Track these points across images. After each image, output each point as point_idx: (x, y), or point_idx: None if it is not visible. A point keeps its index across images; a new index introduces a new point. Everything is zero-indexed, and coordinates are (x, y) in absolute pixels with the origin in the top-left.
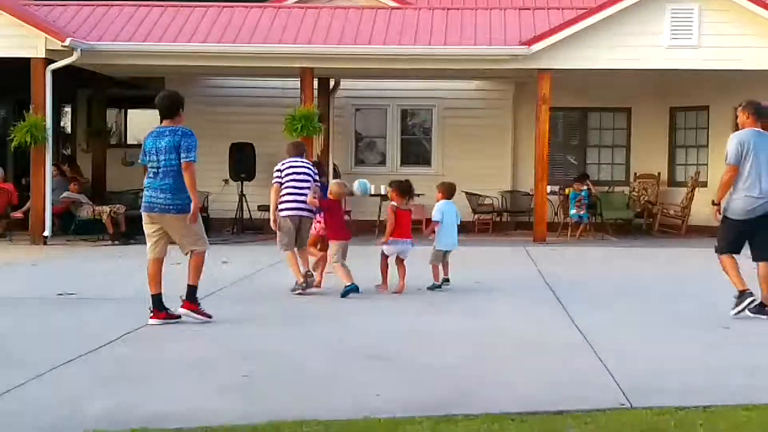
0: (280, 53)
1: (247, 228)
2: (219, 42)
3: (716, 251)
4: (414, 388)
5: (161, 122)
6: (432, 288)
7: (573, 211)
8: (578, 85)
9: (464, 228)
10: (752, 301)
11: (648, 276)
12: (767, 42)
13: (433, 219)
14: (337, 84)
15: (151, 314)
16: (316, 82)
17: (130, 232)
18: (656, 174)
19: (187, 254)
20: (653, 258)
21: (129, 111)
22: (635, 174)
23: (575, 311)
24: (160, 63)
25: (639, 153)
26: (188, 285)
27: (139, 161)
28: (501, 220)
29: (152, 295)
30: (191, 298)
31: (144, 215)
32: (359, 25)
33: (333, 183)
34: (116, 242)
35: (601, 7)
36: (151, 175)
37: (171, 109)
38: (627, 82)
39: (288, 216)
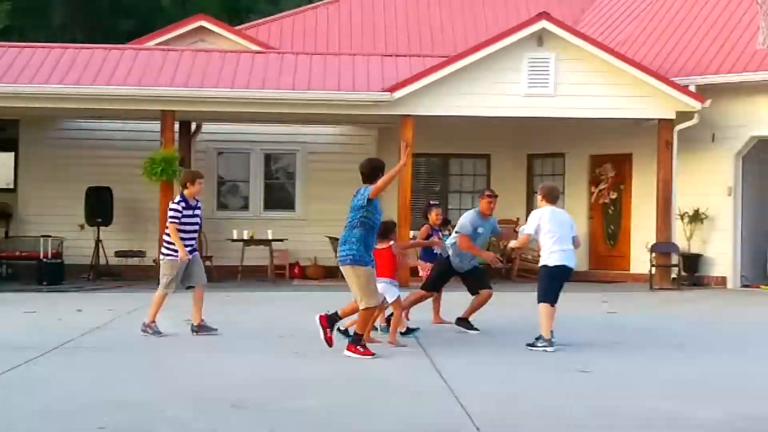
0: (139, 95)
1: (104, 274)
2: (77, 84)
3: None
4: None
5: None
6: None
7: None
8: (440, 132)
9: (329, 273)
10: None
11: (504, 318)
12: (620, 91)
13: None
14: (198, 127)
15: None
16: (177, 125)
17: None
18: (515, 220)
19: None
20: (510, 304)
21: None
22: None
23: (435, 355)
24: (14, 105)
25: (499, 199)
26: None
27: None
28: None
29: None
30: None
31: None
32: (222, 69)
33: None
34: None
35: (461, 56)
36: None
37: None
38: (487, 129)
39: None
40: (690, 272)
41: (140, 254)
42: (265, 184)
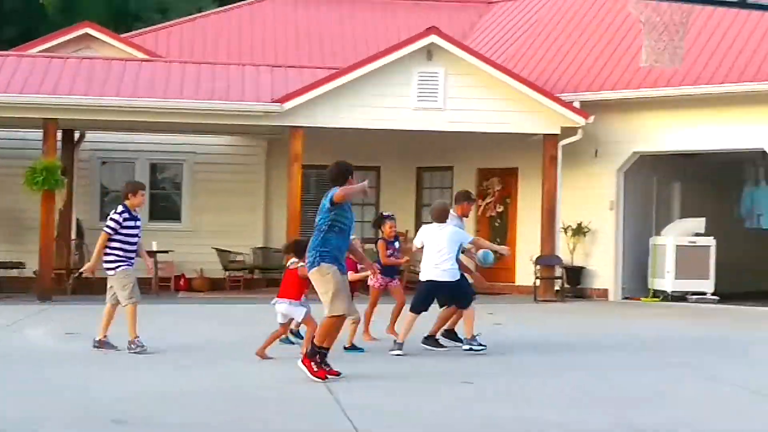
0: (21, 103)
1: None
2: None
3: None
4: None
5: None
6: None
7: None
8: (330, 143)
9: (215, 285)
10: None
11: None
12: (507, 105)
13: None
14: (82, 136)
15: None
16: (60, 134)
17: None
18: (404, 232)
19: None
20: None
21: None
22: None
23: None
24: None
25: (388, 211)
26: None
27: None
28: (253, 277)
29: None
30: None
31: None
32: (107, 77)
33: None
34: None
35: (351, 68)
36: None
37: None
38: (377, 141)
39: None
40: (573, 284)
41: (20, 266)
42: (151, 194)
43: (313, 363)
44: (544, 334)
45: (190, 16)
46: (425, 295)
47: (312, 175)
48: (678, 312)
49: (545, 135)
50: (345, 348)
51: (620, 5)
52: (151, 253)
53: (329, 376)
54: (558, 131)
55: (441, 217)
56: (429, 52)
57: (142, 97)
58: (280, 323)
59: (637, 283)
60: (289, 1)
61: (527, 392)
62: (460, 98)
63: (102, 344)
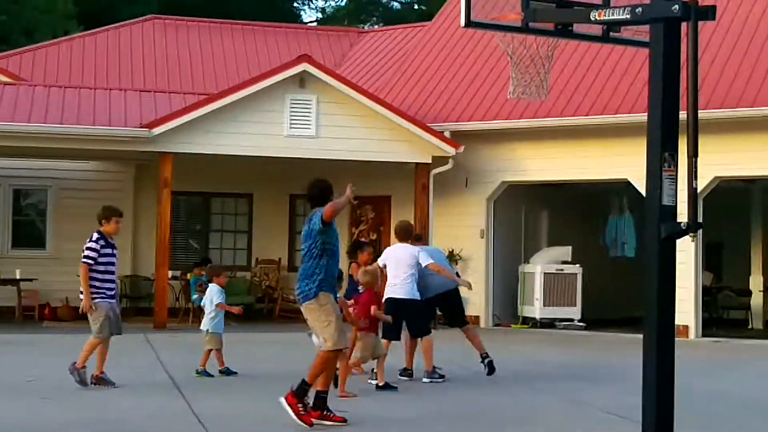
0: None
1: None
2: None
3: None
4: None
5: None
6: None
7: (195, 296)
8: (201, 170)
9: (81, 315)
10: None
11: (271, 360)
12: (379, 134)
13: None
14: None
15: None
16: None
17: None
18: (277, 259)
19: None
20: (275, 343)
21: None
22: (257, 259)
23: (193, 398)
24: None
25: (260, 238)
26: None
27: None
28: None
29: None
30: None
31: None
32: None
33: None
34: None
35: (223, 94)
36: None
37: None
38: (249, 168)
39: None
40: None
41: None
42: (14, 221)
43: (299, 404)
44: (416, 362)
45: (56, 40)
46: (391, 315)
47: (182, 202)
48: (546, 338)
49: (417, 164)
50: (378, 387)
51: (488, 37)
52: (14, 282)
53: (332, 423)
54: (429, 160)
55: (399, 235)
56: (302, 79)
57: (5, 121)
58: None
59: (507, 309)
60: (158, 26)
61: (402, 414)
62: (333, 126)
63: (99, 381)
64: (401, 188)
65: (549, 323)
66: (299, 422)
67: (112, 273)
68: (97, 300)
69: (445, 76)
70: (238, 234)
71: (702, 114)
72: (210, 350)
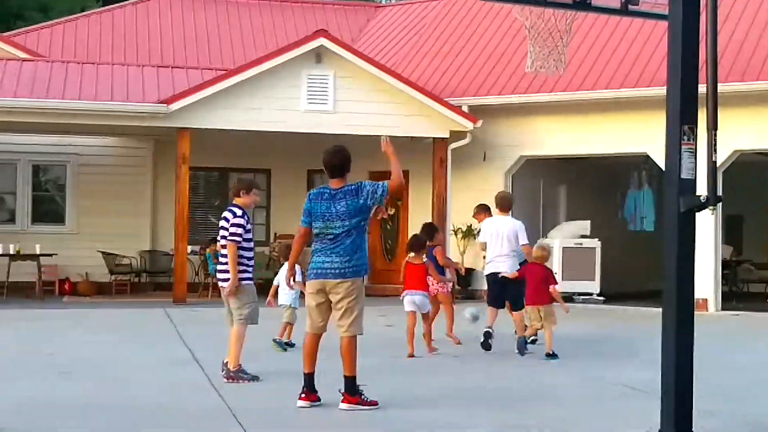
0: None
1: None
2: None
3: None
4: None
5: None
6: None
7: (212, 267)
8: (219, 145)
9: (101, 289)
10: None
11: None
12: (397, 109)
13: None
14: None
15: None
16: None
17: None
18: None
19: None
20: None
21: None
22: (275, 234)
23: (213, 373)
24: None
25: (279, 214)
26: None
27: None
28: (140, 281)
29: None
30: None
31: None
32: None
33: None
34: None
35: (240, 69)
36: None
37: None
38: (267, 143)
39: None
40: (464, 286)
41: None
42: (33, 196)
43: (358, 396)
44: (436, 335)
45: (73, 16)
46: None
47: (201, 177)
48: (564, 313)
49: (435, 138)
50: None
51: (506, 11)
52: (35, 257)
53: (311, 402)
54: (447, 135)
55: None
56: (318, 55)
57: (23, 97)
58: (410, 311)
59: None
60: (175, 2)
61: (418, 391)
62: (350, 101)
63: (235, 375)
64: (419, 163)
65: (568, 297)
66: (371, 408)
67: (252, 250)
68: (245, 282)
69: (463, 50)
70: (256, 209)
71: (721, 87)
72: (288, 323)
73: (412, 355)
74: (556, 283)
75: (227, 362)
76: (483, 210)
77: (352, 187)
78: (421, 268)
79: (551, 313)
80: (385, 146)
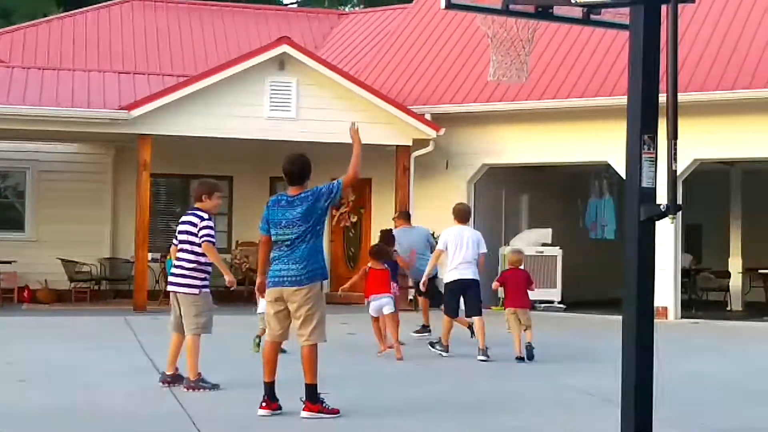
0: None
1: None
2: None
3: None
4: None
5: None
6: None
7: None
8: (181, 152)
9: (61, 297)
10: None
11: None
12: (360, 117)
13: None
14: None
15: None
16: None
17: None
18: (257, 242)
19: None
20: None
21: None
22: (237, 242)
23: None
24: None
25: (241, 221)
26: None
27: None
28: (100, 289)
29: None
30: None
31: None
32: None
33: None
34: None
35: (202, 76)
36: None
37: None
38: (229, 150)
39: None
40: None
41: None
42: None
43: (320, 404)
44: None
45: (35, 21)
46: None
47: (162, 184)
48: None
49: (398, 146)
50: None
51: (469, 19)
52: None
53: (272, 411)
54: (410, 143)
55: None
56: (281, 62)
57: None
58: (374, 316)
59: (488, 291)
60: (137, 8)
61: (384, 400)
62: (313, 108)
63: (196, 384)
64: (382, 171)
65: None
66: (333, 417)
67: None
68: (203, 290)
69: (425, 58)
70: (218, 216)
71: (681, 96)
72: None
73: (384, 350)
74: (534, 287)
75: (172, 373)
76: (402, 217)
77: (309, 193)
78: (384, 273)
79: (530, 316)
80: (352, 132)
